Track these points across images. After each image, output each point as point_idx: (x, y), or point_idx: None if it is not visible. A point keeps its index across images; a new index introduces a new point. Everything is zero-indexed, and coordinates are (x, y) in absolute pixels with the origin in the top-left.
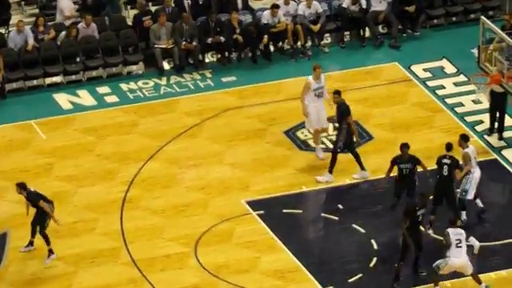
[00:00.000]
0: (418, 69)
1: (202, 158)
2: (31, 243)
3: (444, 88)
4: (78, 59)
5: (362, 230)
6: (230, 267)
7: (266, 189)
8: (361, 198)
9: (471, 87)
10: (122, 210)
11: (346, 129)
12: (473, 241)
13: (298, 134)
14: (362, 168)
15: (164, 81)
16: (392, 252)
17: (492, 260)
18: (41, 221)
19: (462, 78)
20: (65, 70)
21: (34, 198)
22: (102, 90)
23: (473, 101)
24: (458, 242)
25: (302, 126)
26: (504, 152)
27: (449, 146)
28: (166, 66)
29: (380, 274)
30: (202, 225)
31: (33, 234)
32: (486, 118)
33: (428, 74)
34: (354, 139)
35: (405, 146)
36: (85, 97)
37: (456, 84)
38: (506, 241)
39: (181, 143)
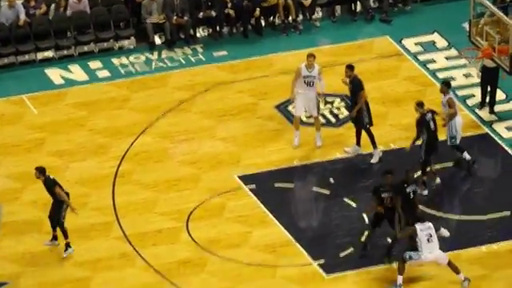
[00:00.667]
0: (409, 43)
1: (194, 133)
2: (55, 237)
3: (435, 62)
4: (69, 34)
5: (354, 205)
6: (222, 242)
7: (258, 163)
8: (352, 172)
9: (462, 61)
10: (113, 185)
11: (362, 103)
12: (444, 232)
13: (290, 108)
14: (358, 143)
15: (155, 55)
16: (383, 226)
17: (483, 234)
18: (58, 211)
19: (453, 52)
20: (56, 44)
21: (50, 185)
22: (94, 64)
23: (464, 75)
24: (428, 236)
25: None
26: (495, 126)
27: (420, 103)
28: (158, 40)
29: (371, 248)
30: (194, 199)
31: (54, 228)
32: (478, 91)
33: (419, 48)
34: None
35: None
36: (76, 72)
37: (447, 58)
38: (497, 215)
39: (172, 118)
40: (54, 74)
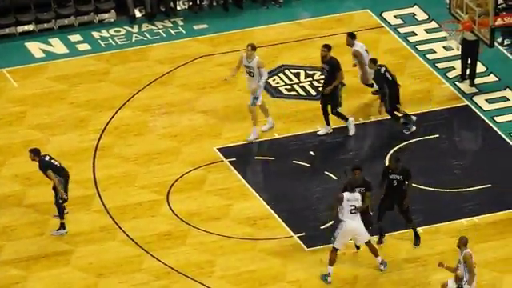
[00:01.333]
0: (389, 16)
1: (174, 106)
2: (62, 226)
3: (415, 35)
4: (50, 7)
5: (334, 177)
6: (202, 214)
7: (238, 136)
8: (333, 144)
9: (442, 34)
10: (94, 158)
11: (338, 83)
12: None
13: (270, 81)
14: (328, 123)
15: (136, 29)
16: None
17: (464, 207)
18: (56, 194)
19: (433, 24)
20: (37, 18)
21: (43, 167)
22: (74, 38)
23: (444, 47)
24: (352, 208)
25: (273, 73)
26: (475, 98)
27: (373, 59)
28: (138, 13)
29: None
30: (174, 172)
31: (61, 216)
32: (458, 64)
33: (399, 21)
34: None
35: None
36: (57, 45)
37: (427, 31)
38: (476, 187)
39: (153, 91)
40: (35, 47)
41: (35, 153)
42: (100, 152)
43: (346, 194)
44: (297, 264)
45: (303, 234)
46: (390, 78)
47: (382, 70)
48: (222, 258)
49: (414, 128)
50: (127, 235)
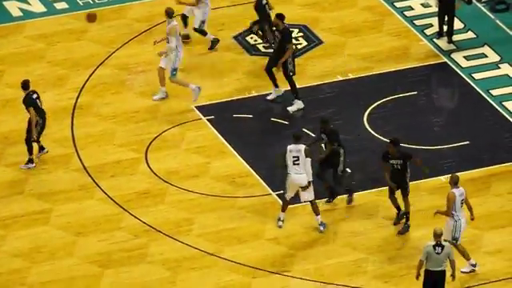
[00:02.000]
0: None
1: (152, 64)
2: (31, 161)
3: None
4: None
5: (313, 135)
6: (181, 172)
7: (216, 94)
8: (310, 101)
9: None
10: (72, 117)
11: (289, 55)
12: (308, 166)
13: (248, 38)
14: (276, 86)
15: None
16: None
17: (442, 164)
18: (29, 129)
19: None
20: None
21: (25, 102)
22: None
23: (422, 4)
24: (295, 159)
25: (250, 30)
26: (454, 55)
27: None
28: None
29: (330, 179)
30: (153, 131)
31: (29, 151)
32: (435, 21)
33: None
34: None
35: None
36: (34, 3)
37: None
38: (455, 144)
39: (130, 49)
40: (12, 6)
41: (24, 86)
42: (78, 110)
43: (290, 146)
44: (275, 221)
45: (282, 191)
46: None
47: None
48: (201, 216)
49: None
50: (106, 194)
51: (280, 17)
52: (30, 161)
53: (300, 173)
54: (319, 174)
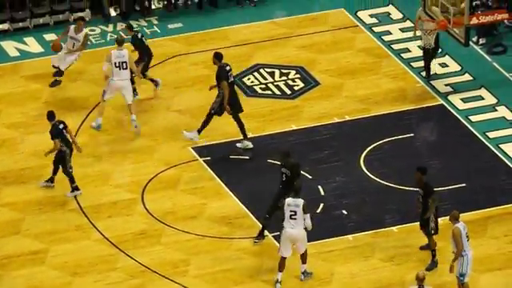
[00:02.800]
0: (364, 15)
1: (149, 105)
2: (76, 188)
3: (390, 34)
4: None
5: (309, 176)
6: (177, 213)
7: (213, 135)
8: (307, 144)
9: (417, 33)
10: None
11: (226, 95)
12: (307, 221)
13: (245, 80)
14: (245, 137)
15: (110, 28)
16: (338, 198)
17: (439, 206)
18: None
19: (408, 23)
20: (12, 17)
21: (51, 133)
22: (49, 37)
23: (419, 46)
24: (292, 213)
25: (247, 72)
26: (450, 97)
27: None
28: (113, 12)
29: (326, 220)
30: (149, 171)
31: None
32: (434, 63)
33: (374, 20)
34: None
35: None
36: (32, 44)
37: (402, 30)
38: (452, 187)
39: None
40: (9, 46)
41: (50, 117)
42: (75, 151)
43: (288, 200)
44: (272, 263)
45: (278, 233)
46: (232, 81)
47: (227, 68)
48: (197, 257)
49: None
50: (102, 234)
51: (216, 55)
52: (76, 188)
53: (295, 227)
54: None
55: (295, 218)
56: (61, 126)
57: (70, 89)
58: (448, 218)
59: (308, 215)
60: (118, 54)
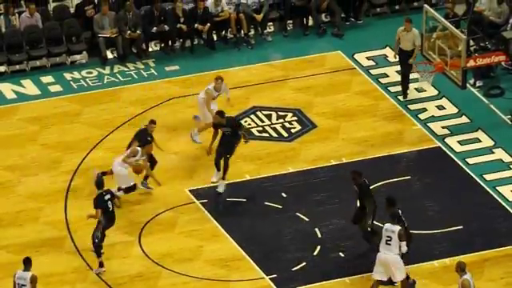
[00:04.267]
0: (361, 57)
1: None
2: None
3: (387, 76)
4: (22, 49)
5: (306, 219)
6: (174, 256)
7: (210, 177)
8: (304, 186)
9: (414, 75)
10: (66, 200)
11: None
12: (403, 248)
13: (242, 122)
14: (223, 178)
15: (107, 70)
16: (336, 240)
17: (436, 248)
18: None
19: None
20: (9, 59)
21: (95, 202)
22: (46, 79)
23: (416, 89)
24: (388, 239)
25: (244, 114)
26: (447, 140)
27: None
28: (110, 55)
29: (324, 263)
30: (146, 214)
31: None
32: (429, 105)
33: (371, 63)
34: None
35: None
36: (29, 86)
37: (399, 72)
38: (448, 229)
39: (124, 132)
40: (6, 88)
41: (98, 184)
42: (72, 193)
43: (386, 225)
44: None
45: (275, 275)
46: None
47: None
48: None
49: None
50: (99, 277)
51: (219, 113)
52: (101, 264)
53: (388, 253)
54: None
55: (390, 244)
56: (107, 197)
57: (66, 131)
58: (454, 268)
59: (404, 243)
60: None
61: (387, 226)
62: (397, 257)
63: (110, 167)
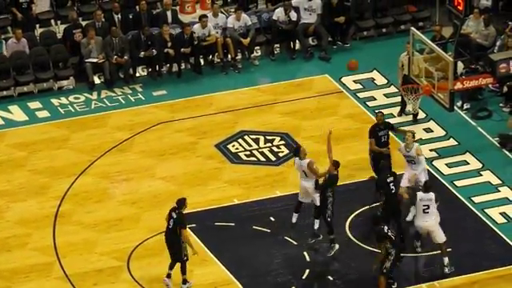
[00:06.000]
0: (348, 81)
1: (134, 173)
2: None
3: (375, 99)
4: (9, 75)
5: (294, 243)
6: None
7: (198, 202)
8: (292, 210)
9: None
10: (54, 225)
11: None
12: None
13: (229, 146)
14: None
15: (95, 95)
16: (324, 264)
17: (425, 271)
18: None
19: (392, 89)
20: None
21: (179, 221)
22: (33, 105)
23: (404, 112)
24: (425, 207)
25: (232, 139)
26: (435, 162)
27: None
28: (97, 80)
29: (312, 287)
30: (135, 239)
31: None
32: (417, 128)
33: (359, 86)
34: None
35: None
36: (16, 112)
37: (387, 95)
38: (437, 251)
39: (112, 158)
40: None
41: (181, 203)
42: (60, 219)
43: (420, 194)
44: None
45: None
46: None
47: None
48: None
49: None
50: None
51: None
52: (184, 281)
53: (428, 221)
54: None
55: (428, 212)
56: (174, 215)
57: (54, 156)
58: None
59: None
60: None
61: (421, 195)
62: (436, 222)
63: (98, 192)
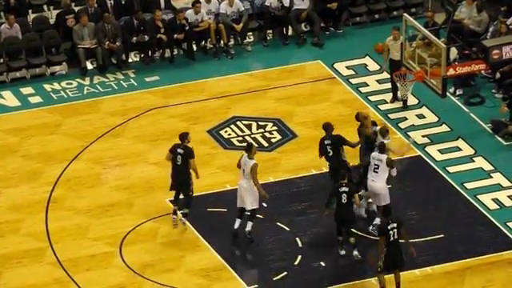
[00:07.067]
0: (341, 66)
1: (127, 158)
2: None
3: (367, 85)
4: (1, 60)
5: (287, 228)
6: (155, 266)
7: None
8: (285, 196)
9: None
10: (46, 211)
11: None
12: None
13: (222, 132)
14: None
15: (87, 81)
16: (316, 250)
17: (417, 257)
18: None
19: (385, 75)
20: None
21: (187, 154)
22: (26, 90)
23: (396, 98)
24: (375, 167)
25: (225, 124)
26: (428, 149)
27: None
28: (90, 66)
29: (305, 272)
30: (127, 224)
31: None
32: (410, 114)
33: (351, 72)
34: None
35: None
36: (8, 98)
37: (379, 81)
38: (430, 237)
39: (105, 143)
40: None
41: (184, 137)
42: (52, 204)
43: (373, 153)
44: None
45: (256, 285)
46: None
47: None
48: None
49: None
50: None
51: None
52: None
53: (376, 181)
54: None
55: (377, 172)
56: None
57: (46, 142)
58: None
59: (394, 169)
60: None
61: (374, 154)
62: (384, 185)
63: (91, 178)
